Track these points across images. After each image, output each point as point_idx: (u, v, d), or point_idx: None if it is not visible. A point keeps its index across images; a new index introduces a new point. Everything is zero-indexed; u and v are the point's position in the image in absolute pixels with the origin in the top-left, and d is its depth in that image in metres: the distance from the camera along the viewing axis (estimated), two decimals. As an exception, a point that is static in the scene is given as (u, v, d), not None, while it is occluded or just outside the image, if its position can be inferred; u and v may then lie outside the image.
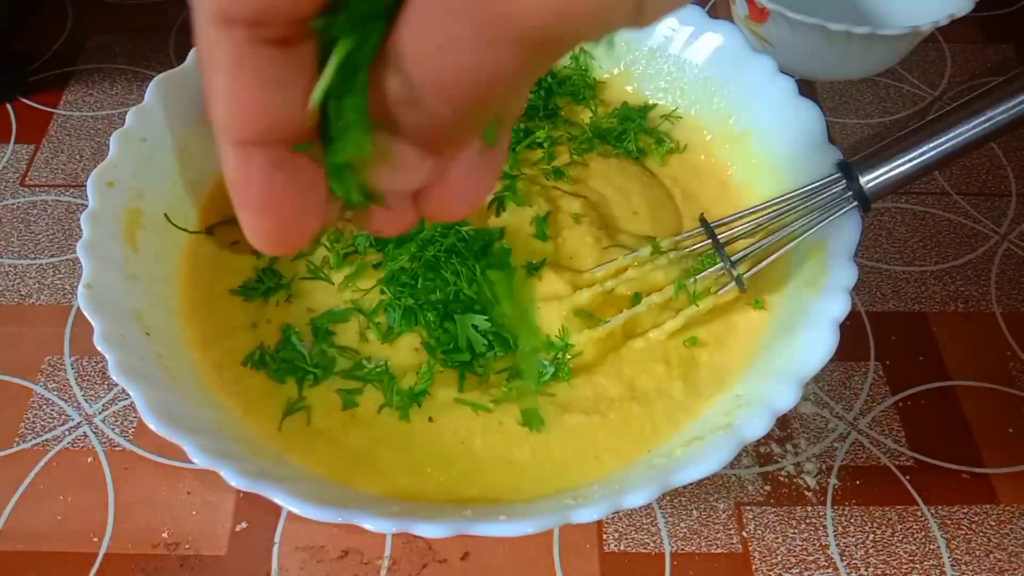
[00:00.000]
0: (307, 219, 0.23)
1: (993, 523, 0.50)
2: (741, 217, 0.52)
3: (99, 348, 0.44)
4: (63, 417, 0.54)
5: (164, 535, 0.49)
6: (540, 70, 0.20)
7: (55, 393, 0.55)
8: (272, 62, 0.20)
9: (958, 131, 0.47)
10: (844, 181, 0.50)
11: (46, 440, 0.53)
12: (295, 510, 0.40)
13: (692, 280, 0.52)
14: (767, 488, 0.51)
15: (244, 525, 0.49)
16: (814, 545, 0.49)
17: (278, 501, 0.40)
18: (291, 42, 0.20)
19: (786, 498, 0.51)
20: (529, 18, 0.17)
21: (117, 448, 0.52)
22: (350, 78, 0.21)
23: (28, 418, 0.54)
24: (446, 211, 0.26)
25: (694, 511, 0.50)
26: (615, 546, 0.49)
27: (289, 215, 0.23)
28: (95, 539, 0.49)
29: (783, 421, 0.54)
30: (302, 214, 0.23)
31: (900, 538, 0.50)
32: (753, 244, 0.51)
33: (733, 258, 0.50)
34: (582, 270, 0.54)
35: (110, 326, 0.45)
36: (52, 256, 0.62)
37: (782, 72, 0.59)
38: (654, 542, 0.49)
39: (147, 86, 0.56)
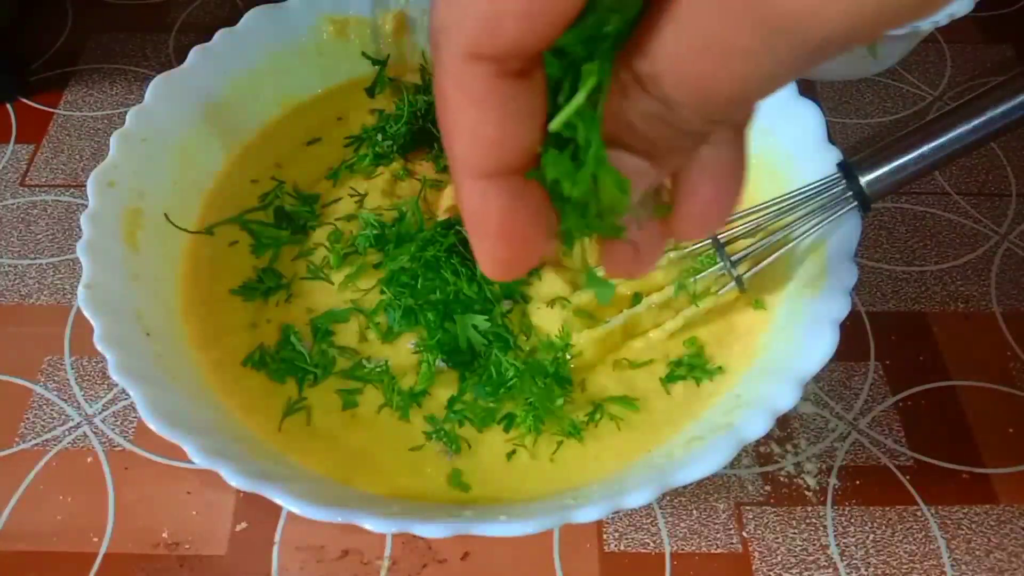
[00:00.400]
0: (538, 245, 0.24)
1: (993, 523, 0.50)
2: (741, 217, 0.52)
3: (99, 348, 0.44)
4: (63, 417, 0.54)
5: (164, 535, 0.49)
6: (805, 72, 0.20)
7: (55, 393, 0.55)
8: (514, 93, 0.21)
9: (958, 131, 0.47)
10: (844, 181, 0.50)
11: (46, 440, 0.53)
12: (295, 510, 0.40)
13: (692, 280, 0.52)
14: (767, 488, 0.51)
15: (244, 525, 0.49)
16: (814, 545, 0.49)
17: (278, 501, 0.40)
18: (529, 73, 0.21)
19: (786, 498, 0.51)
20: (820, 24, 0.17)
21: (117, 448, 0.52)
22: (592, 99, 0.21)
23: (28, 418, 0.54)
24: (699, 228, 0.26)
25: (694, 511, 0.50)
26: (615, 546, 0.49)
27: (524, 242, 0.24)
28: (95, 539, 0.49)
29: (783, 421, 0.54)
30: (535, 240, 0.24)
31: (900, 538, 0.50)
32: (753, 244, 0.51)
33: (733, 258, 0.50)
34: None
35: (110, 326, 0.45)
36: (52, 256, 0.62)
37: (782, 72, 0.59)
38: (654, 542, 0.49)
39: (147, 86, 0.56)
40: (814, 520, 0.50)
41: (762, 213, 0.52)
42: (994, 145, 0.70)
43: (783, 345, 0.49)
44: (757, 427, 0.43)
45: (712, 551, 0.49)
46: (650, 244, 0.27)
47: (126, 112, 0.55)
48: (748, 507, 0.50)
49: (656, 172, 0.23)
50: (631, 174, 0.23)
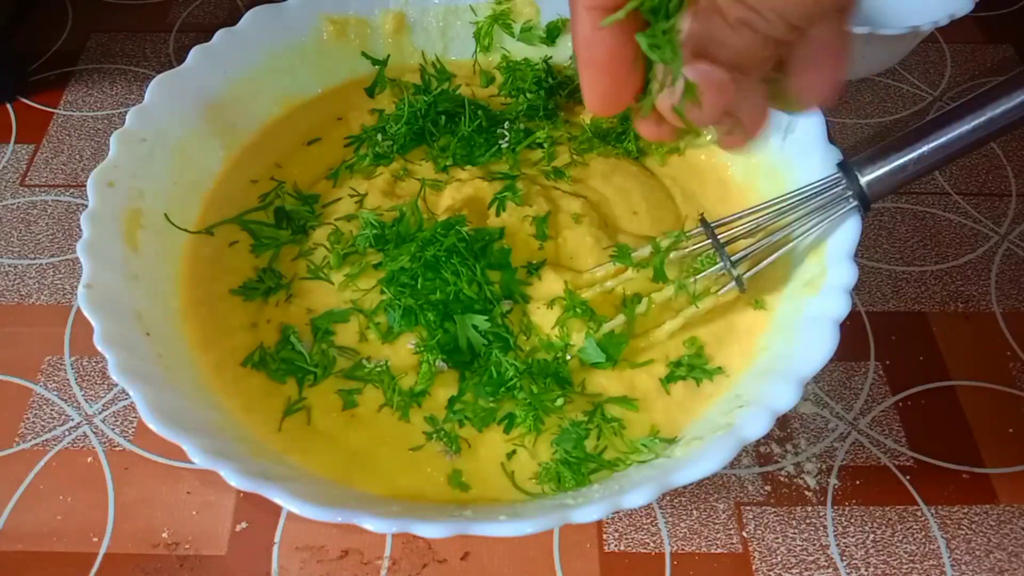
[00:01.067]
0: (633, 84, 0.29)
1: (993, 523, 0.50)
2: (741, 217, 0.52)
3: (99, 348, 0.44)
4: (63, 417, 0.54)
5: (164, 535, 0.49)
6: None
7: (55, 393, 0.55)
8: None
9: (958, 131, 0.47)
10: (844, 181, 0.50)
11: (46, 440, 0.53)
12: (295, 510, 0.40)
13: (692, 280, 0.52)
14: (767, 488, 0.51)
15: (244, 525, 0.49)
16: (814, 545, 0.49)
17: (278, 501, 0.40)
18: None
19: (786, 498, 0.51)
20: None
21: (117, 448, 0.52)
22: None
23: (28, 418, 0.54)
24: (812, 96, 0.31)
25: (694, 511, 0.50)
26: (615, 546, 0.49)
27: (623, 76, 0.28)
28: (95, 539, 0.49)
29: (783, 421, 0.54)
30: (630, 77, 0.29)
31: (900, 538, 0.50)
32: (753, 244, 0.51)
33: (733, 258, 0.50)
34: (582, 270, 0.54)
35: (110, 326, 0.45)
36: (52, 256, 0.62)
37: (782, 72, 0.59)
38: (654, 542, 0.49)
39: (147, 86, 0.56)
40: (814, 520, 0.50)
41: (762, 213, 0.52)
42: (994, 145, 0.70)
43: (783, 345, 0.49)
44: (757, 427, 0.43)
45: (712, 551, 0.49)
46: (754, 114, 0.31)
47: (126, 112, 0.55)
48: (748, 507, 0.51)
49: (733, 88, 0.28)
50: (709, 82, 0.28)
